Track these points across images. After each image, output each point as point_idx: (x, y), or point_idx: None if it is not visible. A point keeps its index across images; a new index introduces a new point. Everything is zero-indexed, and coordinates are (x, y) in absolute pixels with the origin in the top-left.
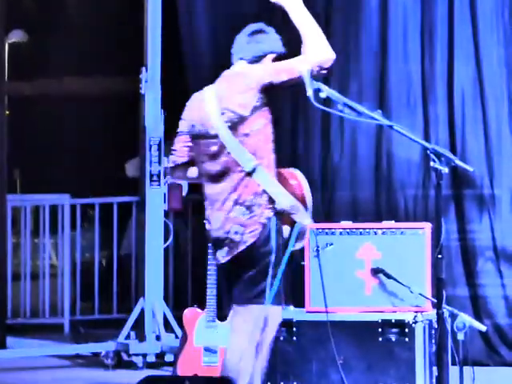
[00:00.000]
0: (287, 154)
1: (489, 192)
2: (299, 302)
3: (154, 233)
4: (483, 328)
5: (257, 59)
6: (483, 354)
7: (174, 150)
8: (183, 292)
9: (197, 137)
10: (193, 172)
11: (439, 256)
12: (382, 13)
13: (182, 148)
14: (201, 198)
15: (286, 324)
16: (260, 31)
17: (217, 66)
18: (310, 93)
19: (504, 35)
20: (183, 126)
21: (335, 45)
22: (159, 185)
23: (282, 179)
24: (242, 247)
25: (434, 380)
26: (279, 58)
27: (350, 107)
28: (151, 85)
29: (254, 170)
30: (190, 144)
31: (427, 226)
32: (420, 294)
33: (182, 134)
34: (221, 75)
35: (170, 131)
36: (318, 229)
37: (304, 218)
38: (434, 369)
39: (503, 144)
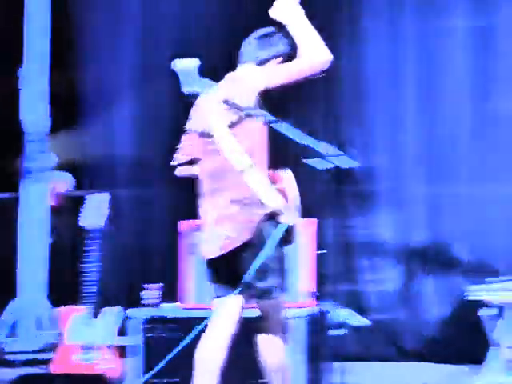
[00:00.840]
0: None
1: (371, 187)
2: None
3: (33, 229)
4: (363, 323)
5: (264, 62)
6: (363, 349)
7: (179, 147)
8: (65, 289)
9: (201, 135)
10: (196, 170)
11: (320, 251)
12: None
13: (186, 146)
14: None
15: (161, 321)
16: (268, 35)
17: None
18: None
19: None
20: (190, 124)
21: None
22: (39, 181)
23: (274, 180)
24: (236, 244)
25: (313, 375)
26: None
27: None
28: (29, 79)
29: (246, 170)
30: (195, 142)
31: (312, 222)
32: (302, 290)
33: (188, 133)
34: (225, 77)
35: (56, 126)
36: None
37: (291, 218)
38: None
39: (385, 139)
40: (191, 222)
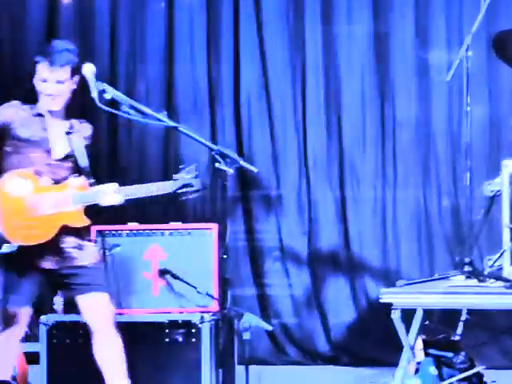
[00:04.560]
0: None
1: (275, 192)
2: None
3: None
4: (269, 327)
5: None
6: (270, 353)
7: None
8: None
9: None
10: None
11: (224, 256)
12: (168, 15)
13: None
14: None
15: (72, 326)
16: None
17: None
18: (94, 94)
19: (288, 37)
20: None
21: (121, 46)
22: None
23: None
24: None
25: (220, 380)
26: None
27: (136, 109)
28: None
29: None
30: None
31: (214, 227)
32: (207, 294)
33: None
34: None
35: None
36: (104, 231)
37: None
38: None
39: (288, 145)
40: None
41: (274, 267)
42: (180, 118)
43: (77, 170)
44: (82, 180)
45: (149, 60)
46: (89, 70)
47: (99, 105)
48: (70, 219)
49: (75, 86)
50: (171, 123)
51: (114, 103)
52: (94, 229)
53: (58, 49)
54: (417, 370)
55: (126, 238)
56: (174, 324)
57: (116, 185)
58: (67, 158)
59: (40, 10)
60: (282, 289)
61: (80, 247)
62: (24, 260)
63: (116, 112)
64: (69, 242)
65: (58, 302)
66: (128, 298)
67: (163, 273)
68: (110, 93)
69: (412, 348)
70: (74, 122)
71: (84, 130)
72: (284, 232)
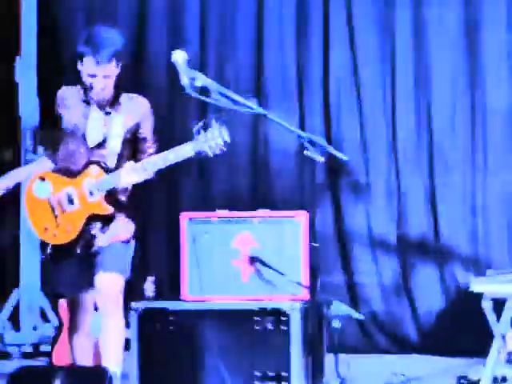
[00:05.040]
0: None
1: (364, 180)
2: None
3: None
4: (358, 315)
5: None
6: (359, 341)
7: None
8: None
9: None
10: None
11: (314, 244)
12: (258, 1)
13: None
14: None
15: (162, 313)
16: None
17: None
18: (184, 81)
19: (378, 23)
20: None
21: (212, 32)
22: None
23: None
24: None
25: (309, 368)
26: None
27: (226, 96)
28: (26, 73)
29: None
30: None
31: (303, 215)
32: (296, 282)
33: None
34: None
35: (45, 120)
36: (194, 217)
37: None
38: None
39: (377, 132)
40: (193, 213)
41: (363, 255)
42: (269, 104)
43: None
44: (96, 168)
45: (238, 47)
46: (180, 57)
47: (189, 92)
48: (92, 209)
49: (119, 70)
50: (261, 110)
51: (204, 90)
52: (183, 215)
53: (104, 42)
54: (508, 360)
55: (215, 225)
56: (263, 311)
57: (131, 163)
58: (102, 144)
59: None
60: (371, 276)
61: (102, 230)
62: (61, 251)
63: (206, 99)
64: (92, 227)
65: (149, 287)
66: (217, 285)
67: (253, 260)
68: (201, 80)
69: (503, 337)
70: (124, 98)
71: (135, 106)
72: (373, 219)
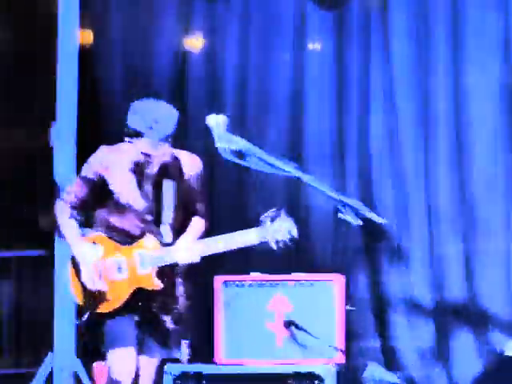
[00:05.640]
0: None
1: (400, 244)
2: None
3: (64, 286)
4: (394, 379)
5: None
6: None
7: None
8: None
9: None
10: None
11: (350, 307)
12: (296, 65)
13: None
14: None
15: (196, 377)
16: None
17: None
18: (219, 145)
19: (419, 89)
20: None
21: (250, 96)
22: None
23: None
24: None
25: None
26: None
27: (264, 160)
28: (63, 137)
29: None
30: None
31: (338, 278)
32: (331, 346)
33: None
34: None
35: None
36: (228, 280)
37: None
38: None
39: (416, 196)
40: (227, 276)
41: (399, 319)
42: (308, 167)
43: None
44: (152, 239)
45: (277, 110)
46: (214, 121)
47: (226, 156)
48: (141, 282)
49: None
50: (298, 174)
51: (241, 153)
52: (218, 279)
53: (165, 126)
54: None
55: (249, 288)
56: (298, 375)
57: (188, 239)
58: (148, 209)
59: (171, 62)
60: (407, 341)
61: None
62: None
63: (243, 163)
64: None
65: (184, 351)
66: (251, 349)
67: (288, 324)
68: (237, 144)
69: None
70: (176, 154)
71: (189, 166)
72: (409, 283)
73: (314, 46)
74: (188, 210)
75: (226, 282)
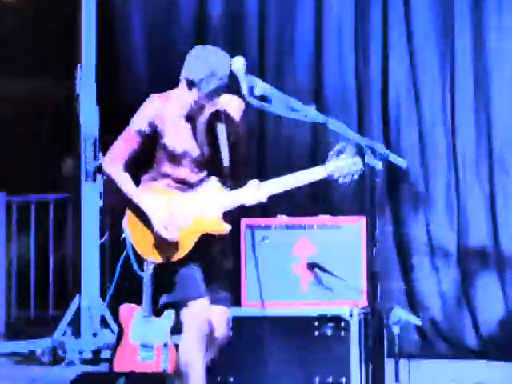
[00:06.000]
0: None
1: (423, 188)
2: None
3: (90, 230)
4: (418, 322)
5: None
6: (419, 347)
7: None
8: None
9: None
10: None
11: (374, 250)
12: (317, 13)
13: None
14: None
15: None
16: None
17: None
18: (244, 88)
19: (437, 36)
20: None
21: (270, 44)
22: (94, 181)
23: None
24: None
25: (369, 374)
26: None
27: (286, 103)
28: (86, 83)
29: None
30: None
31: (362, 220)
32: (356, 288)
33: None
34: None
35: (105, 128)
36: (254, 224)
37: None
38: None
39: (437, 142)
40: (252, 219)
41: (422, 262)
42: (327, 112)
43: (215, 168)
44: (216, 183)
45: (297, 56)
46: (239, 63)
47: (248, 99)
48: (209, 227)
49: None
50: (320, 118)
51: (263, 98)
52: (244, 222)
53: (223, 80)
54: None
55: (274, 231)
56: (323, 318)
57: (256, 181)
58: (205, 155)
59: (191, 9)
60: (431, 284)
61: None
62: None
63: (265, 107)
64: None
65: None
66: (276, 292)
67: (312, 266)
68: (260, 87)
69: None
70: (222, 100)
71: (232, 107)
72: (433, 227)
73: None
74: (240, 153)
75: (251, 225)
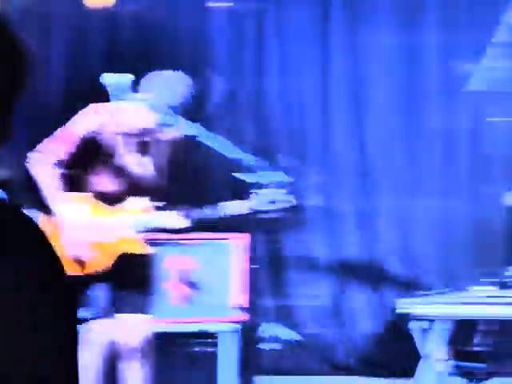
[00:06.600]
0: None
1: (299, 202)
2: None
3: None
4: (292, 337)
5: None
6: (292, 363)
7: None
8: None
9: None
10: None
11: (250, 266)
12: None
13: None
14: None
15: None
16: None
17: None
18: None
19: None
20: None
21: None
22: None
23: None
24: None
25: None
26: None
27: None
28: None
29: None
30: None
31: (241, 237)
32: (227, 305)
33: None
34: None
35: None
36: None
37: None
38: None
39: (312, 154)
40: None
41: (301, 277)
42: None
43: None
44: (143, 201)
45: None
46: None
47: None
48: (127, 246)
49: None
50: (192, 131)
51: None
52: None
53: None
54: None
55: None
56: (191, 334)
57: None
58: (141, 172)
59: None
60: (308, 299)
61: None
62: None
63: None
64: None
65: None
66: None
67: (186, 281)
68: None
69: (431, 358)
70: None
71: (175, 132)
72: (306, 242)
73: None
74: (177, 174)
75: None
